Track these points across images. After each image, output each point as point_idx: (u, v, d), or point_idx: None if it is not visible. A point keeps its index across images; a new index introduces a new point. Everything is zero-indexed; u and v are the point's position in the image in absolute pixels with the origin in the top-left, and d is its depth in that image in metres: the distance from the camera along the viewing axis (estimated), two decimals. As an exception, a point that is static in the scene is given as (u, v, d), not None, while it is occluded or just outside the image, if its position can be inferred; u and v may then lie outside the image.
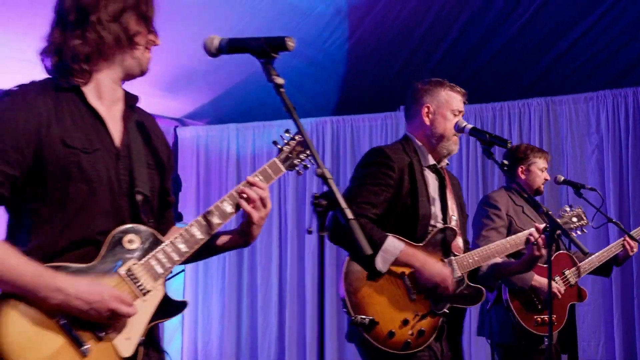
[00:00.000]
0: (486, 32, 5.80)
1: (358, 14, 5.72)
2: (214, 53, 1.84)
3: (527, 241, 2.97)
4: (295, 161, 2.03)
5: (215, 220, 1.88)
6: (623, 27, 5.48)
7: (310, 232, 1.95)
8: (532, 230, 2.97)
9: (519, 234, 3.13)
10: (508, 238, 3.13)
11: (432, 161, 3.00)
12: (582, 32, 5.62)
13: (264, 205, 1.91)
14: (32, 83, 1.82)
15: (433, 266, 2.79)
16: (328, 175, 1.67)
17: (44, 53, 1.82)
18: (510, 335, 3.68)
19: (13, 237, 1.79)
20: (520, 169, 3.95)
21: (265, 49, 1.75)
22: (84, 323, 1.71)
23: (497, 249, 3.02)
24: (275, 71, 1.75)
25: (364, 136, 6.78)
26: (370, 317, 2.73)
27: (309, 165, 2.06)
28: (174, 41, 5.82)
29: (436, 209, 2.92)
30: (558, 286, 3.70)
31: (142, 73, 1.89)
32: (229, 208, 1.90)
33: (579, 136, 5.93)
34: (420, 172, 2.93)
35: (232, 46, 1.82)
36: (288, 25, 5.56)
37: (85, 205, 1.76)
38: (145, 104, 6.62)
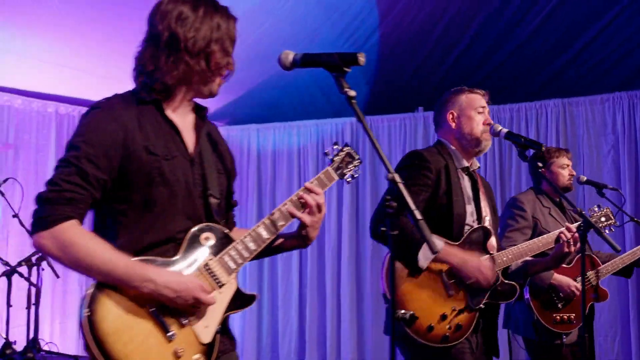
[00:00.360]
0: (501, 33, 5.92)
1: (374, 18, 5.86)
2: (287, 67, 1.98)
3: (558, 240, 3.13)
4: (345, 170, 2.26)
5: (279, 222, 2.07)
6: (638, 27, 5.60)
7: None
8: (563, 229, 3.13)
9: (550, 234, 3.28)
10: (540, 237, 3.27)
11: (465, 164, 3.13)
12: (597, 33, 5.72)
13: (319, 210, 2.10)
14: (117, 97, 1.98)
15: (471, 262, 2.93)
16: (398, 179, 1.82)
17: (136, 71, 1.99)
18: (531, 331, 3.81)
19: (100, 235, 1.94)
20: (542, 171, 4.07)
21: (338, 63, 1.89)
22: (170, 311, 1.88)
23: (529, 248, 3.18)
24: (348, 84, 1.89)
25: (382, 137, 6.92)
26: (411, 312, 2.86)
27: (356, 175, 2.29)
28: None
29: (471, 209, 3.06)
30: (577, 285, 3.82)
31: (212, 96, 2.05)
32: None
33: (595, 137, 6.08)
34: (456, 174, 3.07)
35: (305, 60, 1.96)
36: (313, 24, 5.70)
37: (167, 207, 1.93)
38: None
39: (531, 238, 3.63)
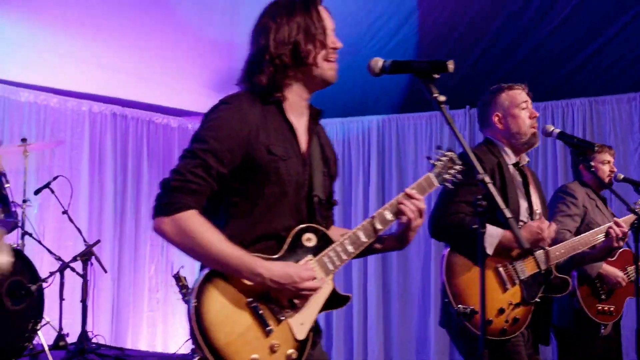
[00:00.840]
0: (522, 32, 5.97)
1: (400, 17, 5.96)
2: (377, 73, 2.08)
3: (607, 234, 3.25)
4: (446, 176, 2.27)
5: (378, 225, 2.13)
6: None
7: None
8: (612, 224, 3.26)
9: (600, 228, 3.41)
10: (591, 232, 3.40)
11: (514, 159, 3.22)
12: (618, 30, 5.76)
13: (420, 216, 2.15)
14: (244, 94, 2.08)
15: (528, 234, 2.99)
16: (488, 180, 1.93)
17: (246, 73, 2.10)
18: (570, 320, 3.91)
19: (210, 221, 2.03)
20: (581, 166, 4.16)
21: (428, 70, 2.00)
22: (270, 307, 1.98)
23: (581, 242, 3.29)
24: (437, 90, 2.00)
25: (408, 135, 7.02)
26: (471, 307, 2.97)
27: (457, 180, 2.29)
28: (225, 42, 6.10)
29: (525, 204, 3.16)
30: (624, 276, 3.94)
31: (326, 84, 2.13)
32: (389, 215, 2.15)
33: (622, 135, 6.17)
34: (508, 170, 3.15)
35: (395, 67, 2.06)
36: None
37: (276, 205, 2.04)
38: (196, 102, 6.92)
39: (580, 226, 3.73)
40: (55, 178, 5.15)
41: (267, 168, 2.02)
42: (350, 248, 2.10)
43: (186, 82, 6.83)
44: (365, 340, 6.88)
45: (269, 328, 1.97)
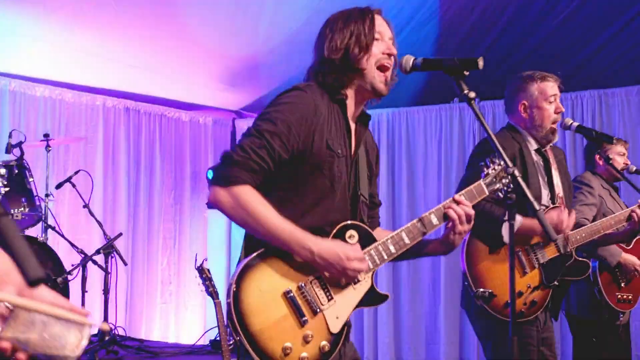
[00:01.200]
0: (532, 22, 6.01)
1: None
2: (407, 71, 2.16)
3: (629, 218, 3.37)
4: (498, 185, 2.30)
5: (423, 229, 2.19)
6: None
7: None
8: (635, 208, 3.36)
9: (623, 212, 3.56)
10: (612, 215, 3.52)
11: (536, 145, 3.25)
12: (627, 22, 5.84)
13: (467, 221, 2.19)
14: (315, 86, 2.16)
15: (551, 220, 3.02)
16: (517, 173, 2.00)
17: (314, 72, 2.20)
18: (589, 308, 3.99)
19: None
20: (597, 156, 4.24)
21: (458, 67, 2.07)
22: (306, 298, 2.05)
23: (602, 226, 3.39)
24: (467, 86, 2.07)
25: (418, 128, 7.07)
26: (490, 290, 3.04)
27: (509, 190, 2.25)
28: (234, 36, 6.17)
29: (546, 190, 3.22)
30: None
31: (377, 94, 2.20)
32: (435, 220, 2.20)
33: (631, 127, 6.23)
34: (530, 156, 3.19)
35: (426, 65, 2.13)
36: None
37: (324, 199, 2.12)
38: (207, 96, 6.97)
39: (596, 215, 3.82)
40: (76, 172, 5.23)
41: (323, 161, 2.09)
42: (392, 248, 2.15)
43: (197, 76, 6.89)
44: (375, 329, 6.94)
45: (304, 318, 2.02)
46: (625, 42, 6.02)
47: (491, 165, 2.32)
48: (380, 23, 2.20)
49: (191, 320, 7.08)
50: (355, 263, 2.04)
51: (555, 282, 3.14)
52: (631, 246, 4.05)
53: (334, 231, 2.12)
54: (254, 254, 2.04)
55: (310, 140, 2.08)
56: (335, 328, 2.08)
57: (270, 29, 6.12)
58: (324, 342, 2.06)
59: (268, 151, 2.02)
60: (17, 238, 0.97)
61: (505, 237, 3.03)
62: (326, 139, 2.10)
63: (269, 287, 2.02)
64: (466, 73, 2.08)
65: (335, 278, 2.07)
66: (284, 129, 2.03)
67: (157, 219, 6.97)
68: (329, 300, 2.07)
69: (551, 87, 3.23)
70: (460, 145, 6.81)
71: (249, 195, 2.01)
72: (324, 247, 2.02)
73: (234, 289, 1.98)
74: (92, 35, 5.82)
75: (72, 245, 4.86)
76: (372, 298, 2.16)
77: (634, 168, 4.37)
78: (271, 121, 2.04)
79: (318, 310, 2.05)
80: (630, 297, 3.98)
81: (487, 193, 2.29)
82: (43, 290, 1.27)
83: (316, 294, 2.06)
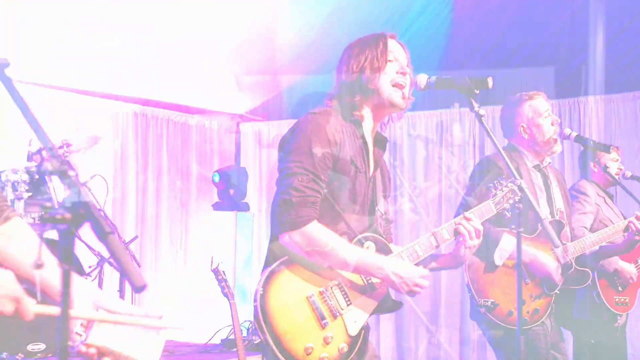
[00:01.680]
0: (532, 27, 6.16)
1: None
2: (422, 88, 2.33)
3: (627, 228, 3.49)
4: (505, 205, 2.51)
5: (435, 243, 2.38)
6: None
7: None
8: (633, 219, 3.50)
9: (619, 223, 3.67)
10: (609, 227, 3.64)
11: (536, 162, 3.43)
12: (622, 28, 5.98)
13: (478, 237, 2.40)
14: (329, 109, 2.34)
15: (541, 261, 3.23)
16: (524, 185, 2.17)
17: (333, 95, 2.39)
18: (589, 311, 4.14)
19: None
20: (592, 164, 4.39)
21: (470, 86, 2.23)
22: (327, 302, 2.21)
23: (601, 237, 3.54)
24: (478, 104, 2.22)
25: (420, 133, 7.17)
26: (492, 300, 3.19)
27: (518, 209, 2.43)
28: (242, 40, 6.30)
29: (544, 204, 3.38)
30: (635, 272, 4.15)
31: (395, 108, 2.39)
32: (446, 235, 2.40)
33: (628, 133, 6.34)
34: (528, 173, 3.37)
35: (439, 83, 2.30)
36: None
37: (344, 211, 2.29)
38: (211, 100, 7.08)
39: (592, 223, 3.95)
40: (92, 177, 5.35)
41: (347, 176, 2.26)
42: (407, 260, 2.33)
43: (203, 80, 7.03)
44: (376, 330, 7.06)
45: (325, 321, 2.19)
46: (620, 48, 6.14)
47: (499, 186, 2.51)
48: (394, 45, 2.37)
49: (201, 320, 7.19)
50: (420, 281, 2.25)
51: (556, 291, 3.29)
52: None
53: (353, 242, 2.28)
54: (278, 261, 2.20)
55: (337, 157, 2.25)
56: (354, 331, 2.25)
57: (277, 36, 6.26)
58: (342, 344, 2.22)
59: (317, 182, 2.20)
60: (123, 253, 1.13)
61: (497, 261, 3.20)
62: (350, 156, 2.27)
63: (293, 290, 2.19)
64: (477, 92, 2.23)
65: (399, 290, 2.26)
66: (319, 155, 2.20)
67: (165, 221, 7.10)
68: (347, 305, 2.24)
69: (541, 103, 3.41)
70: (460, 150, 6.94)
71: (321, 232, 2.20)
72: (399, 267, 2.23)
73: (261, 292, 2.14)
74: (99, 40, 5.92)
75: (89, 247, 4.99)
76: (386, 305, 2.34)
77: (630, 174, 4.53)
78: (305, 153, 2.21)
79: (338, 314, 2.22)
80: (627, 300, 4.13)
81: (495, 212, 2.49)
82: (117, 300, 1.42)
83: (336, 299, 2.23)
